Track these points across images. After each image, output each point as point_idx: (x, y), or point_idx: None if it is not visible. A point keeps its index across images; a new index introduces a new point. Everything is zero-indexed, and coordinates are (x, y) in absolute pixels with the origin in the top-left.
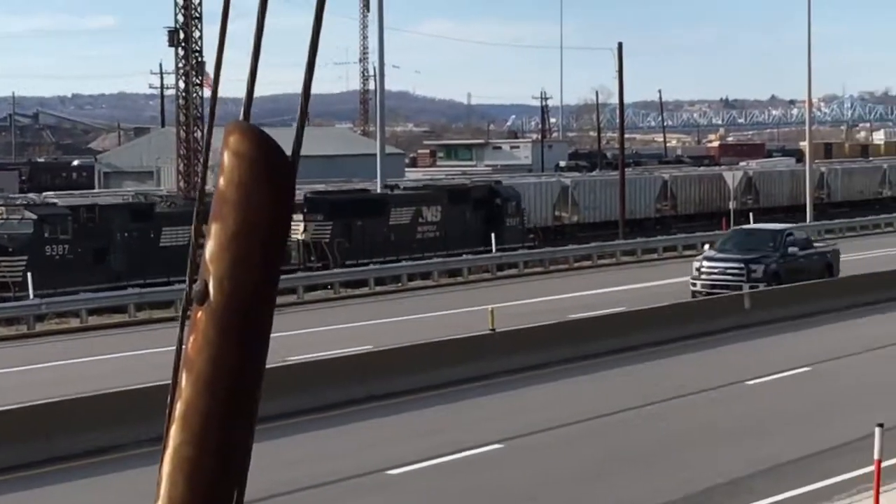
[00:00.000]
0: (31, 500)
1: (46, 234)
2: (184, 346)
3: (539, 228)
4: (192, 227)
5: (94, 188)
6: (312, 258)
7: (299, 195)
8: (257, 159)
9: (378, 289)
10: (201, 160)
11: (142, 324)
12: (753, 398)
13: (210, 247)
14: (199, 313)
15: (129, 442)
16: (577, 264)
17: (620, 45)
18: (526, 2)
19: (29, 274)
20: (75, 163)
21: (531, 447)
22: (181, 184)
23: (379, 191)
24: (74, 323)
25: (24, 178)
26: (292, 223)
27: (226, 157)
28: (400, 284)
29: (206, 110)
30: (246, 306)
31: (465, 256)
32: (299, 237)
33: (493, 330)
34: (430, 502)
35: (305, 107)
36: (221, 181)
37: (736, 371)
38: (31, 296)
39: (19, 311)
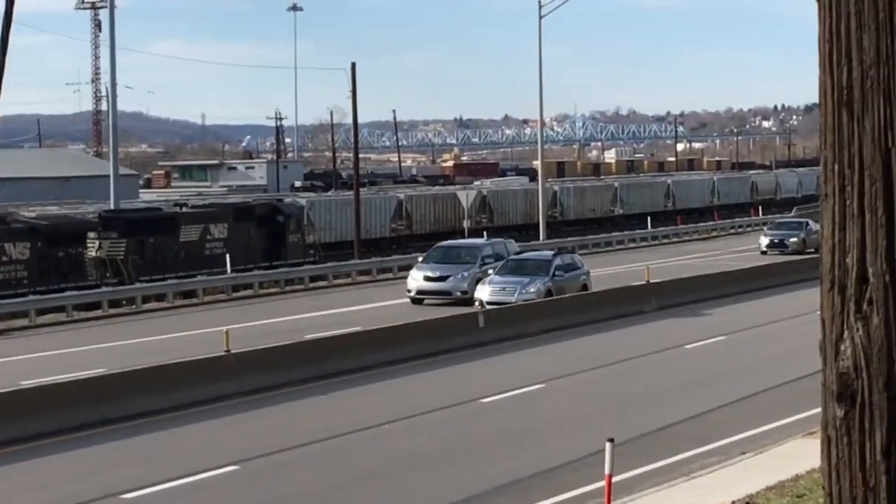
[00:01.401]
0: None
1: None
2: None
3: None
4: None
5: None
6: (108, 274)
7: (93, 214)
8: None
9: (111, 311)
10: None
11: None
12: (489, 416)
13: None
14: None
15: None
16: (312, 284)
17: (354, 65)
18: (260, 22)
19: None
20: None
21: (267, 468)
22: None
23: (169, 209)
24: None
25: None
26: (88, 241)
27: None
28: (134, 307)
29: None
30: None
31: (199, 277)
32: (94, 254)
33: (227, 351)
34: None
35: None
36: None
37: (471, 389)
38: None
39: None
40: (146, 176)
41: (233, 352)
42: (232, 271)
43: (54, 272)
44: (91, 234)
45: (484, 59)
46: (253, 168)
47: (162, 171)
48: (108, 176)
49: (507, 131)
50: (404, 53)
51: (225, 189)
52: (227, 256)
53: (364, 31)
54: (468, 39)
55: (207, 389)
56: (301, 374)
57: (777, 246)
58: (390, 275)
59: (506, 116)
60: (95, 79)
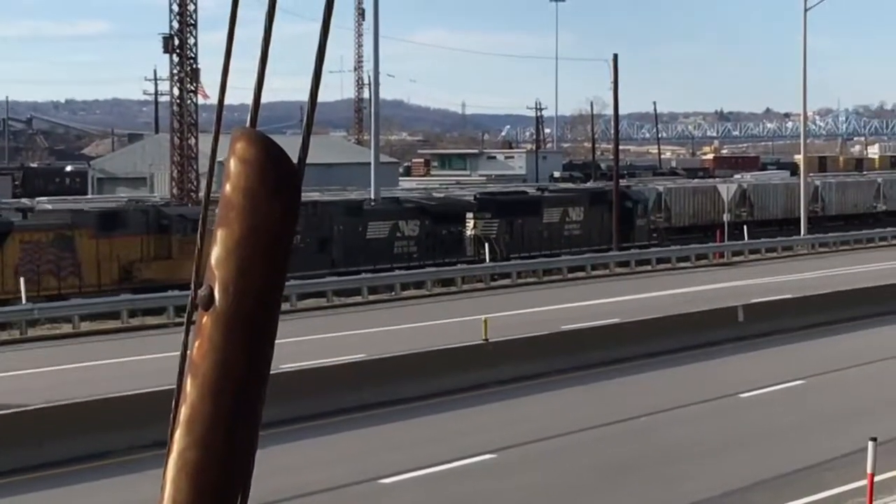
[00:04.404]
0: None
1: None
2: (189, 351)
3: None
4: (199, 232)
5: (87, 194)
6: (482, 251)
7: (469, 195)
8: (264, 166)
9: (371, 297)
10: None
11: (134, 330)
12: (746, 411)
13: (216, 252)
14: (205, 318)
15: (120, 448)
16: (570, 275)
17: (616, 56)
18: (522, 12)
19: (22, 279)
20: (68, 168)
21: (524, 458)
22: (174, 190)
23: (534, 193)
24: (66, 328)
25: (17, 182)
26: (467, 220)
27: (232, 163)
28: (393, 293)
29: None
30: (251, 311)
31: (459, 266)
32: (471, 233)
33: (486, 340)
34: None
35: (312, 114)
36: (227, 187)
37: (729, 384)
38: (24, 301)
39: (11, 316)
40: (406, 164)
41: (490, 340)
42: (588, 252)
43: (439, 247)
44: (469, 214)
45: (746, 51)
46: (512, 158)
47: (421, 160)
48: (369, 163)
49: (769, 125)
50: (666, 45)
51: (483, 178)
52: (486, 246)
53: (625, 22)
54: (730, 31)
55: (465, 378)
56: (557, 364)
57: None
58: (648, 267)
59: (767, 110)
60: (358, 67)
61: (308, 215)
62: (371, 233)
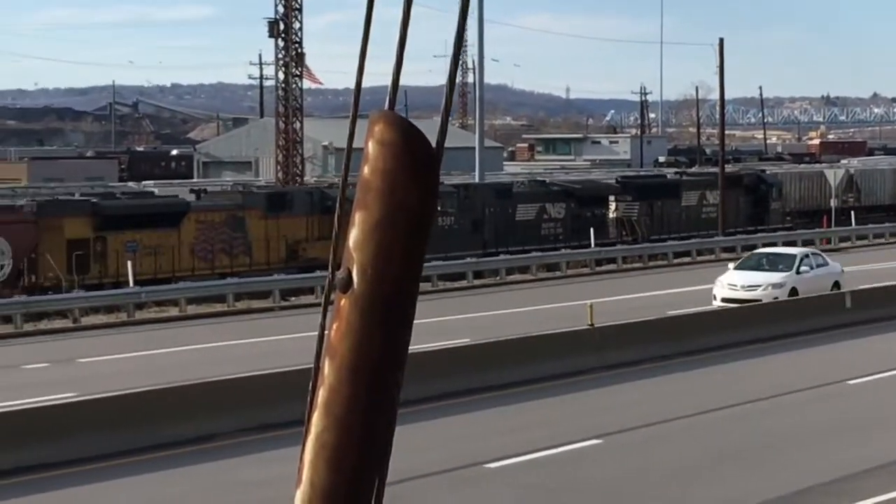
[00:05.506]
0: (132, 486)
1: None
2: (326, 334)
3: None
4: (336, 215)
5: (192, 177)
6: (624, 233)
7: (611, 179)
8: (402, 148)
9: (476, 282)
10: (301, 151)
11: (240, 313)
12: (854, 398)
13: (354, 235)
14: (343, 301)
15: (229, 430)
16: (675, 261)
17: (721, 40)
18: None
19: (129, 263)
20: (174, 152)
21: (629, 443)
22: (279, 174)
23: (672, 177)
24: (173, 311)
25: (123, 166)
26: (609, 202)
27: (370, 146)
28: (498, 278)
29: (305, 101)
30: (389, 294)
31: (563, 251)
32: (612, 215)
33: (591, 325)
34: (528, 496)
35: (450, 98)
36: (366, 170)
37: (836, 370)
38: (132, 284)
39: (120, 299)
40: (510, 148)
41: (596, 326)
42: (723, 234)
43: (583, 230)
44: (611, 197)
45: (853, 35)
46: (617, 143)
47: (525, 144)
48: (473, 148)
49: (876, 110)
50: (771, 29)
51: (588, 163)
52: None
53: (731, 5)
54: (837, 15)
55: (570, 362)
56: (662, 350)
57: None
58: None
59: (874, 94)
60: (462, 51)
61: (461, 198)
62: (520, 215)
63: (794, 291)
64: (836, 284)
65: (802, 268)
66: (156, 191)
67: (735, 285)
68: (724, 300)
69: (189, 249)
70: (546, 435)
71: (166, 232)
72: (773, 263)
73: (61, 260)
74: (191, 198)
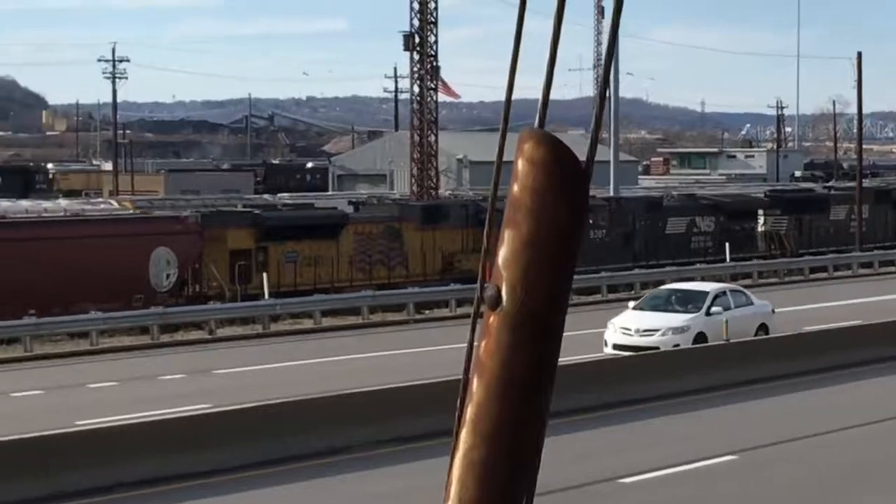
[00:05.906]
0: (259, 499)
1: (590, 221)
2: (475, 350)
3: None
4: (485, 231)
5: (327, 190)
6: (773, 247)
7: (760, 193)
8: (552, 167)
9: (610, 296)
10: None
11: (374, 326)
12: None
13: (503, 252)
14: (492, 318)
15: (362, 443)
16: (812, 276)
17: (860, 54)
18: (761, 10)
19: (265, 274)
20: (309, 165)
21: (766, 459)
22: (414, 187)
23: (820, 191)
24: (308, 324)
25: (258, 179)
26: (758, 216)
27: (520, 163)
28: (633, 292)
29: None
30: (539, 312)
31: (698, 265)
32: (761, 229)
33: (726, 340)
34: None
35: (600, 116)
36: (515, 188)
37: None
38: (266, 297)
39: (255, 312)
40: (645, 162)
41: (731, 341)
42: (861, 249)
43: (733, 244)
44: (760, 211)
45: None
46: (752, 157)
47: (661, 158)
48: (608, 162)
49: None
50: None
51: (723, 178)
52: (728, 245)
53: (871, 17)
54: None
55: (706, 378)
56: (798, 366)
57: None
58: (893, 268)
59: None
60: (597, 65)
61: (612, 211)
62: (670, 228)
63: (701, 337)
64: (763, 327)
65: (714, 308)
66: (315, 203)
67: (629, 329)
68: (615, 347)
69: (348, 260)
70: (682, 450)
71: (326, 243)
72: (683, 302)
73: (224, 270)
74: (349, 209)
